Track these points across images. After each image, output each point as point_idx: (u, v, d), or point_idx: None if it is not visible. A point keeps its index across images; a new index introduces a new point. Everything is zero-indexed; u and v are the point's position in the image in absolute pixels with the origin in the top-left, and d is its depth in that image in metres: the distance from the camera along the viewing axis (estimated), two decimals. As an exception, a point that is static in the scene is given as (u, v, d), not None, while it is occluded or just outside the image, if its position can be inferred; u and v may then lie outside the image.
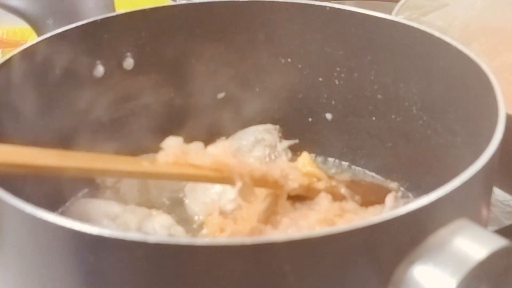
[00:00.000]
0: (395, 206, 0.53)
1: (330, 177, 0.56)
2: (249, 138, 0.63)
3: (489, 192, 0.45)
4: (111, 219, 0.54)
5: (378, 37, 0.58)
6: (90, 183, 0.60)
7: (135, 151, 0.57)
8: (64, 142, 0.52)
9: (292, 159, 0.62)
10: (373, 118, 0.61)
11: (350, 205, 0.53)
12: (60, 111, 0.56)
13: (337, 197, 0.53)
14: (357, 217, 0.51)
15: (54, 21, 0.62)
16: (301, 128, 0.65)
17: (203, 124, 0.63)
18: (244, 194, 0.49)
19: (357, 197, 0.54)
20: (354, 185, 0.55)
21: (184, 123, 0.62)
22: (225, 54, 0.63)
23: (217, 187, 0.58)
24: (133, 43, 0.60)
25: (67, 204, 0.59)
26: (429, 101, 0.56)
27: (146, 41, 0.60)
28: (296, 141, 0.64)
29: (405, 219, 0.36)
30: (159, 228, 0.53)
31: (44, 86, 0.54)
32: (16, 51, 0.52)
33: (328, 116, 0.64)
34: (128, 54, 0.60)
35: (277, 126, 0.65)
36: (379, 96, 0.60)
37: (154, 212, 0.55)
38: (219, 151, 0.48)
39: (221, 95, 0.64)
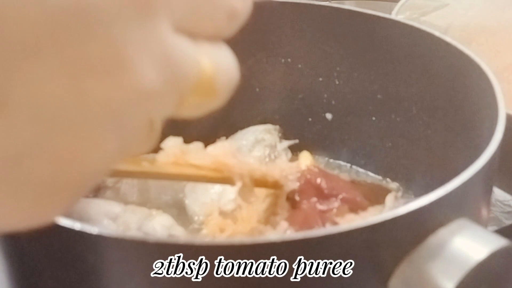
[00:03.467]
0: (395, 206, 0.53)
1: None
2: (249, 138, 0.63)
3: (489, 192, 0.45)
4: (111, 219, 0.54)
5: (378, 37, 0.58)
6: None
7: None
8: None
9: (292, 159, 0.62)
10: (373, 118, 0.61)
11: (350, 205, 0.53)
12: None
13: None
14: (357, 217, 0.51)
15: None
16: (301, 128, 0.65)
17: (203, 124, 0.63)
18: (244, 194, 0.49)
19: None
20: (354, 185, 0.55)
21: (184, 123, 0.62)
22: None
23: (217, 187, 0.58)
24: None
25: (67, 204, 0.59)
26: (429, 101, 0.56)
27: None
28: (296, 141, 0.64)
29: (405, 219, 0.36)
30: (159, 228, 0.53)
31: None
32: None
33: (328, 116, 0.64)
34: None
35: (277, 126, 0.65)
36: (379, 96, 0.60)
37: (154, 212, 0.55)
38: (219, 151, 0.48)
39: (221, 95, 0.64)
